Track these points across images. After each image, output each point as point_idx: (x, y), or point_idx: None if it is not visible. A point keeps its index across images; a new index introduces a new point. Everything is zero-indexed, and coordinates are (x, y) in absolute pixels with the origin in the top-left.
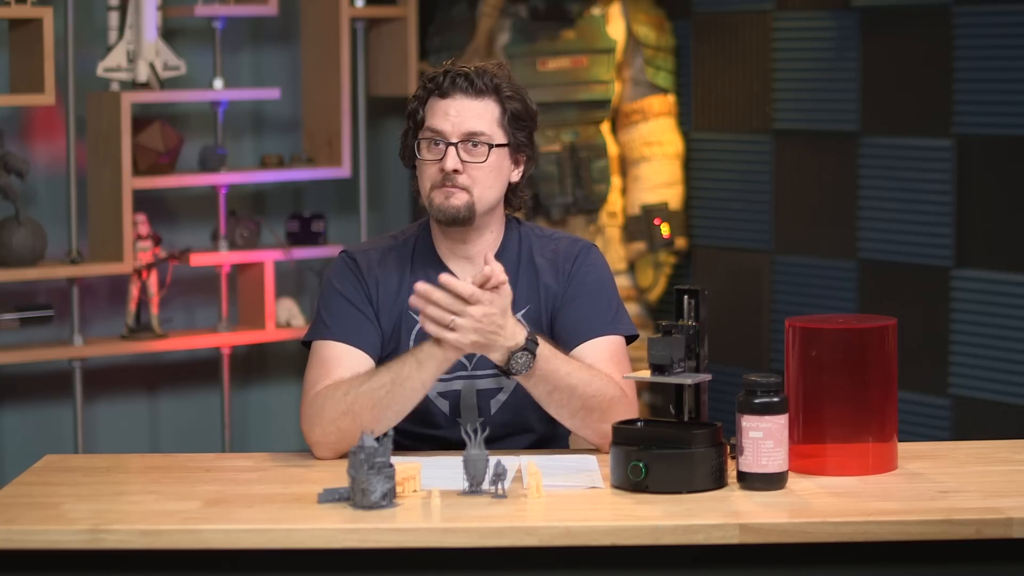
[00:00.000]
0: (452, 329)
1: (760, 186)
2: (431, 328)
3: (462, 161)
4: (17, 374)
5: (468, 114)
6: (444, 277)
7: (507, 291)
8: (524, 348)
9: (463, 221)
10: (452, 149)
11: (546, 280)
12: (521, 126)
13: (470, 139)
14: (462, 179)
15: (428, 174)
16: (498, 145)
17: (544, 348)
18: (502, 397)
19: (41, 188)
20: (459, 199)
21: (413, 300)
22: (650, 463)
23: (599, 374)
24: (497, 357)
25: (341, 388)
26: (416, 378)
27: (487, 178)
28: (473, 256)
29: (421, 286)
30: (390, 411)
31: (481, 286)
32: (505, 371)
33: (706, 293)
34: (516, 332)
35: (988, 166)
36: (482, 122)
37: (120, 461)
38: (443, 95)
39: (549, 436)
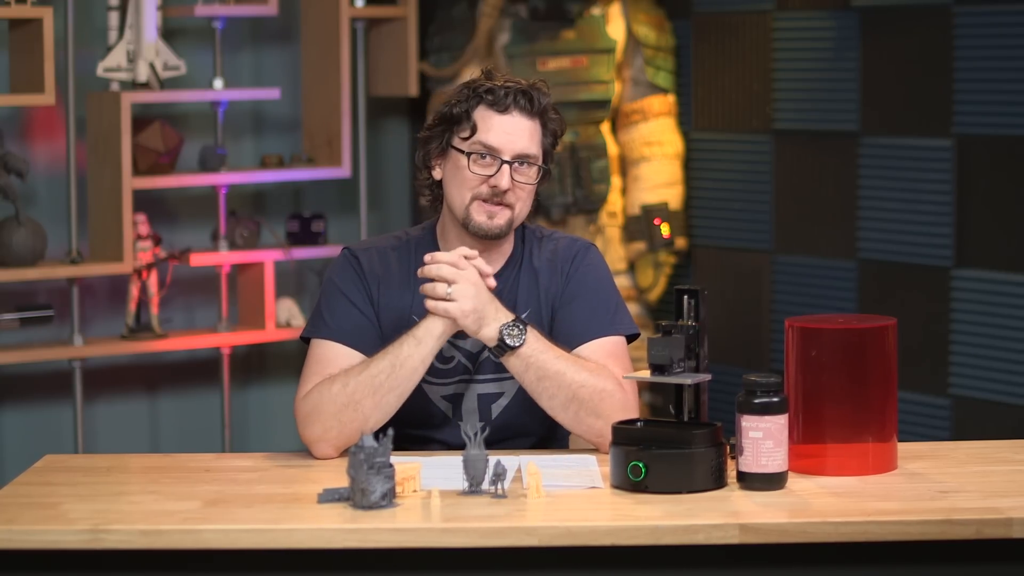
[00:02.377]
0: (452, 300)
1: (760, 186)
2: (431, 304)
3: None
4: (17, 374)
5: (523, 134)
6: (431, 254)
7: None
8: (515, 322)
9: (500, 238)
10: (507, 167)
11: (544, 281)
12: (554, 145)
13: (521, 159)
14: (509, 196)
15: (471, 185)
16: (543, 166)
17: (531, 328)
18: (503, 402)
19: (41, 188)
20: (502, 218)
21: (422, 284)
22: (650, 463)
23: (589, 364)
24: (491, 333)
25: (337, 381)
26: (416, 356)
27: (529, 196)
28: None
29: (424, 269)
30: (392, 395)
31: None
32: (500, 348)
33: (706, 293)
34: (505, 310)
35: (988, 166)
36: (533, 143)
37: (120, 461)
38: (502, 110)
39: (548, 439)
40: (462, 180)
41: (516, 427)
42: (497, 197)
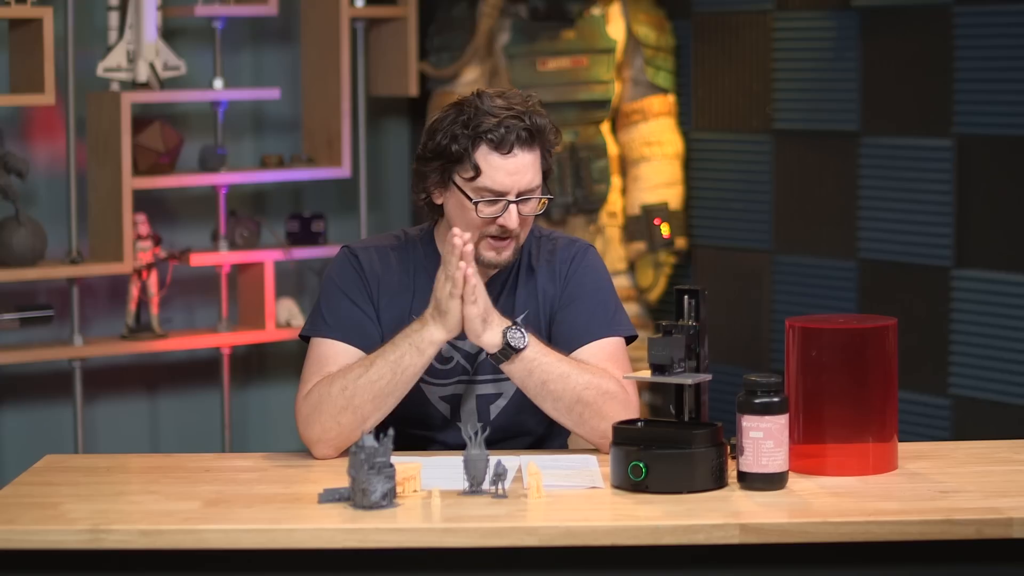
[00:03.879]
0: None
1: (760, 186)
2: (455, 303)
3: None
4: (17, 374)
5: (528, 170)
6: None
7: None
8: (515, 326)
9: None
10: (514, 207)
11: (543, 284)
12: (550, 161)
13: (526, 195)
14: (515, 229)
15: (478, 225)
16: (544, 196)
17: (530, 333)
18: (501, 403)
19: (41, 188)
20: (509, 250)
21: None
22: (650, 463)
23: (589, 366)
24: (494, 338)
25: (336, 384)
26: (418, 364)
27: (531, 220)
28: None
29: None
30: (391, 399)
31: None
32: (505, 350)
33: (706, 293)
34: (502, 316)
35: (988, 166)
36: (536, 174)
37: (120, 461)
38: (505, 152)
39: (547, 437)
40: (469, 221)
41: (515, 427)
42: (505, 234)
